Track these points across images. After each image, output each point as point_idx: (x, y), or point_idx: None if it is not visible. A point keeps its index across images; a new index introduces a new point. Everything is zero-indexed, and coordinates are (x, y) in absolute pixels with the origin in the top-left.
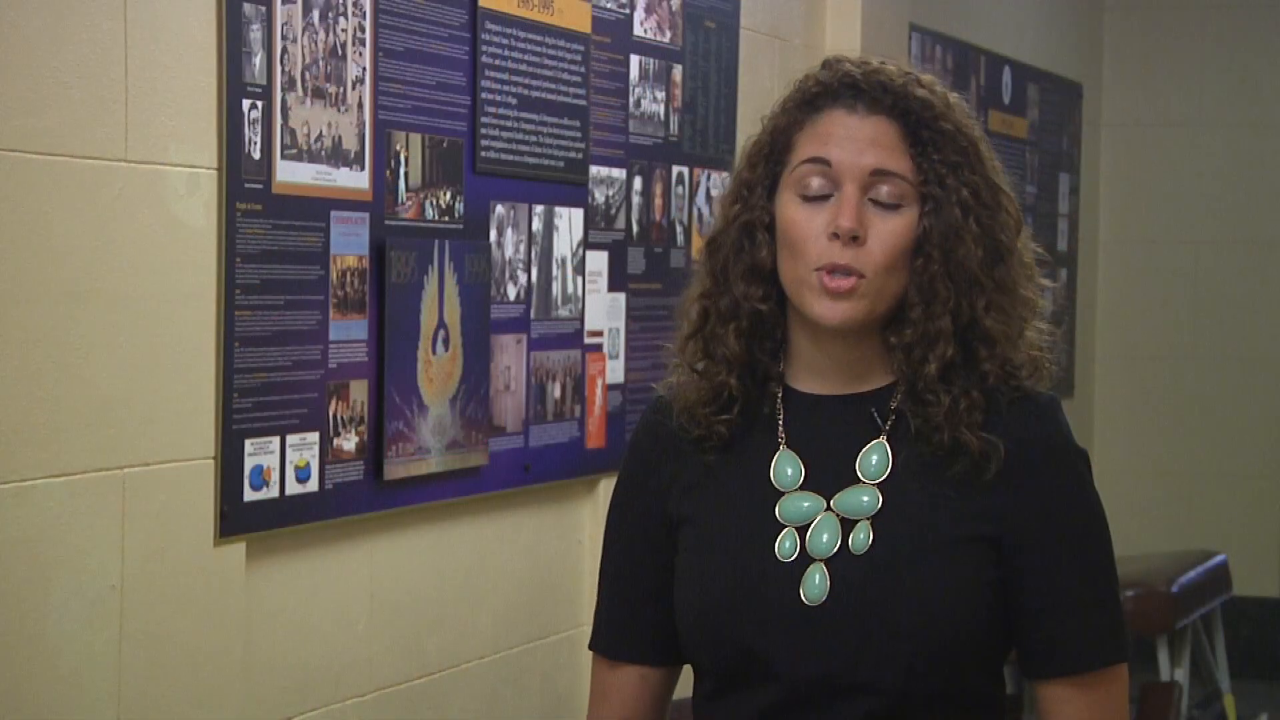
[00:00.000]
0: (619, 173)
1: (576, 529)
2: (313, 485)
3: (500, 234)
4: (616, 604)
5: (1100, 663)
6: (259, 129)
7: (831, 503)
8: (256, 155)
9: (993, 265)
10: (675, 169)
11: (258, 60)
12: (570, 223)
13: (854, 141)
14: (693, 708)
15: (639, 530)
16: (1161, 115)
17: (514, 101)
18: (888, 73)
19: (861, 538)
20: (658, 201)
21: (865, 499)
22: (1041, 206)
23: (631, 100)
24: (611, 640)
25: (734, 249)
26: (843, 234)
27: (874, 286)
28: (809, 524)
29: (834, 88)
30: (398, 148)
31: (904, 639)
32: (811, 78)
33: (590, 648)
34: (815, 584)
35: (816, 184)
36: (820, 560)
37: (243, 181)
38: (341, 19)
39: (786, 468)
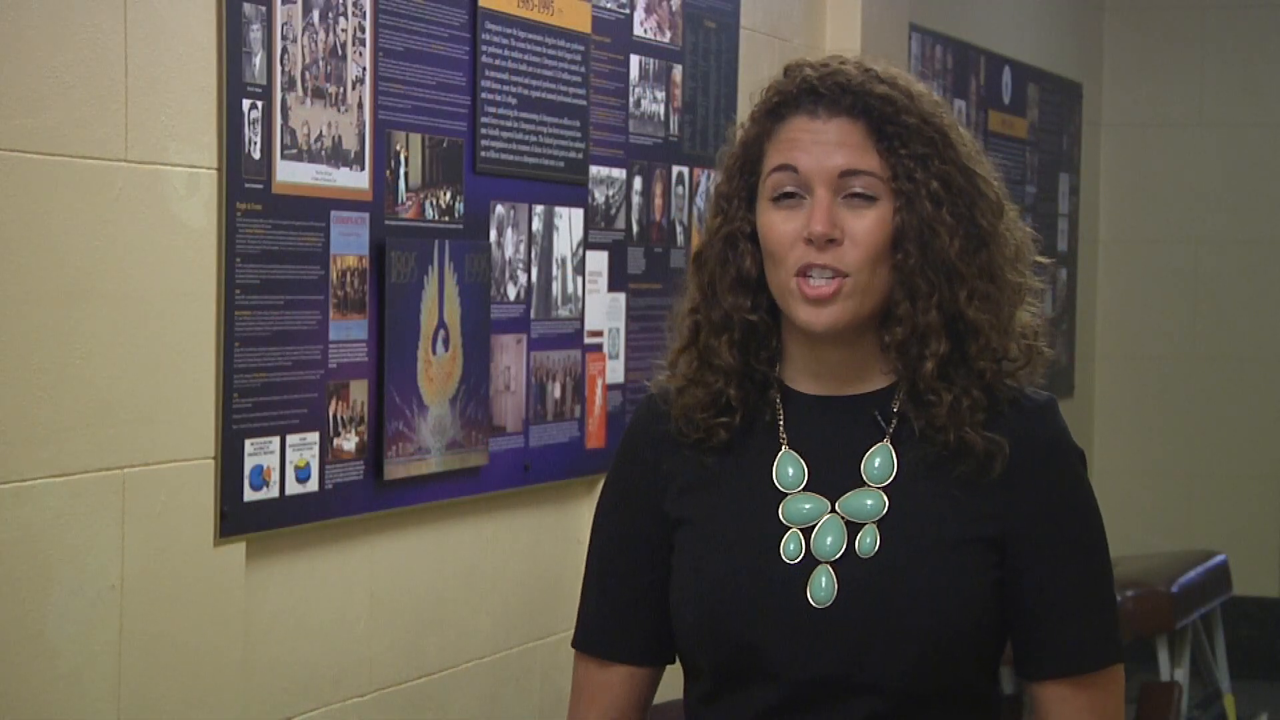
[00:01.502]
0: (619, 173)
1: (576, 529)
2: (313, 485)
3: (500, 234)
4: (607, 603)
5: (1099, 663)
6: (259, 129)
7: (837, 505)
8: (256, 155)
9: (973, 253)
10: (675, 169)
11: (258, 60)
12: (570, 223)
13: (819, 145)
14: (685, 709)
15: (634, 530)
16: (1161, 115)
17: (514, 101)
18: (846, 73)
19: (868, 541)
20: (658, 201)
21: (870, 502)
22: (1041, 206)
23: (631, 100)
24: (602, 639)
25: (719, 261)
26: (816, 238)
27: (859, 285)
28: (812, 526)
29: (794, 94)
30: (398, 148)
31: (911, 640)
32: (773, 86)
33: (575, 646)
34: (822, 586)
35: (789, 191)
36: (826, 563)
37: (243, 181)
38: (341, 19)
39: (789, 469)
